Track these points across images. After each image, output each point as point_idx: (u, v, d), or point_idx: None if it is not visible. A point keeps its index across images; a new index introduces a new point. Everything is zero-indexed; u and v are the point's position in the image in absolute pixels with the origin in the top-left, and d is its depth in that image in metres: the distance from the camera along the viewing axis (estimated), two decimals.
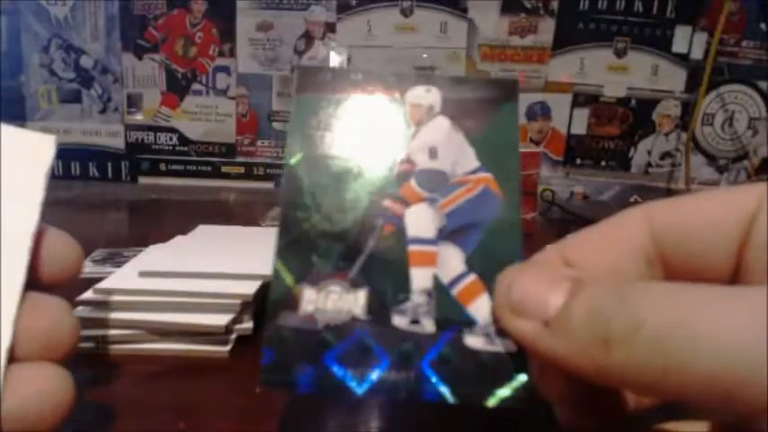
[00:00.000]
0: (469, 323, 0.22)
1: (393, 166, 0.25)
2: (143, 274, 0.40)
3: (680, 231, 0.21)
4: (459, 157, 0.25)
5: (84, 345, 0.35)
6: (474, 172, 0.25)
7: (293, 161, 0.25)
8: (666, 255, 0.22)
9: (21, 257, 0.19)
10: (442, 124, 0.26)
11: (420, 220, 0.24)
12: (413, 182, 0.25)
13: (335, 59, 0.92)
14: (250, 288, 0.38)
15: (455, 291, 0.23)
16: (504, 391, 0.21)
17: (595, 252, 0.22)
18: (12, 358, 0.19)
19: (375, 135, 0.25)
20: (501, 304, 0.21)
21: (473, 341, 0.22)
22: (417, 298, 0.23)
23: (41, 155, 0.20)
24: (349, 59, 0.91)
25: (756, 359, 0.14)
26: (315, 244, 0.23)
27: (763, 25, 0.91)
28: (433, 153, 0.25)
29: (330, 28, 0.92)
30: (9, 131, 0.20)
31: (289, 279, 0.22)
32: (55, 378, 0.19)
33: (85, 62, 0.94)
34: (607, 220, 0.23)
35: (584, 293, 0.18)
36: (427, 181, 0.25)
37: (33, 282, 0.20)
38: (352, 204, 0.24)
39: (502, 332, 0.21)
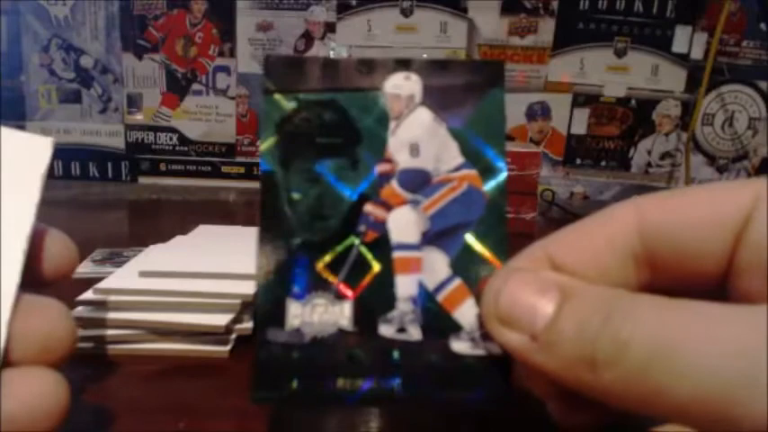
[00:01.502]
0: (455, 328, 0.22)
1: (373, 166, 0.24)
2: (143, 274, 0.40)
3: (669, 229, 0.21)
4: (442, 153, 0.24)
5: (83, 345, 0.35)
6: (458, 169, 0.24)
7: (267, 160, 0.23)
8: (654, 253, 0.21)
9: (15, 259, 0.19)
10: (423, 117, 0.24)
11: (403, 225, 0.23)
12: (394, 183, 0.24)
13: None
14: (250, 288, 0.38)
15: (440, 296, 0.23)
16: (490, 394, 0.21)
17: (581, 250, 0.22)
18: (7, 362, 0.18)
19: (353, 133, 0.24)
20: (489, 313, 0.20)
21: (459, 346, 0.22)
22: (403, 306, 0.22)
23: (38, 157, 0.20)
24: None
25: (745, 381, 0.14)
26: (296, 255, 0.23)
27: (763, 25, 0.91)
28: (414, 150, 0.24)
29: (330, 28, 0.92)
30: (6, 133, 0.20)
31: (273, 293, 0.22)
32: (49, 383, 0.19)
33: (85, 62, 0.93)
34: (594, 216, 0.22)
35: (571, 307, 0.18)
36: (409, 182, 0.24)
37: (29, 281, 0.20)
38: (332, 211, 0.23)
39: (487, 336, 0.21)
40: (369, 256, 0.23)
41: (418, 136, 0.24)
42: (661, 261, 0.21)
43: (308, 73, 0.24)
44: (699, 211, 0.20)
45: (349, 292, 0.22)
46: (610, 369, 0.16)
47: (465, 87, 0.24)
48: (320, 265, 0.23)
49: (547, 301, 0.19)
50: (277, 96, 0.24)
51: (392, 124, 0.24)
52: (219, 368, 0.35)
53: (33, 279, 0.20)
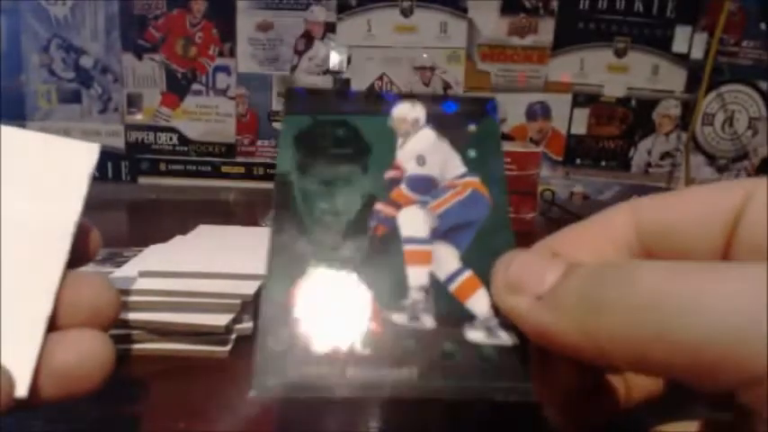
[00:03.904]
0: (469, 317, 0.22)
1: (383, 173, 0.25)
2: (143, 274, 0.40)
3: (664, 228, 0.21)
4: (447, 164, 0.26)
5: None
6: (462, 177, 0.26)
7: (283, 165, 0.25)
8: (651, 250, 0.22)
9: (64, 241, 0.22)
10: (428, 134, 0.27)
11: (413, 221, 0.24)
12: (403, 186, 0.25)
13: (335, 59, 0.92)
14: (250, 288, 0.38)
15: (452, 287, 0.23)
16: (508, 385, 0.21)
17: (583, 246, 0.22)
18: (59, 327, 0.21)
19: (363, 146, 0.26)
20: (497, 282, 0.21)
21: (474, 335, 0.22)
22: (415, 295, 0.23)
23: (86, 159, 0.24)
24: (349, 59, 0.91)
25: (742, 332, 0.14)
26: (308, 248, 0.23)
27: (762, 25, 0.91)
28: (421, 160, 0.26)
29: (330, 28, 0.92)
30: (58, 140, 0.24)
31: (283, 284, 0.22)
32: (100, 341, 0.21)
33: (85, 62, 0.93)
34: (594, 217, 0.23)
35: (579, 270, 0.19)
36: (417, 185, 0.25)
37: (72, 259, 0.23)
38: (344, 208, 0.24)
39: (503, 325, 0.22)
40: (380, 249, 0.24)
41: (424, 149, 0.26)
42: (657, 257, 0.21)
43: (323, 100, 0.27)
44: (691, 211, 0.21)
45: (360, 283, 0.23)
46: (614, 314, 0.17)
47: (462, 115, 0.27)
48: (331, 258, 0.23)
49: (555, 268, 0.19)
50: (295, 116, 0.27)
51: (399, 140, 0.26)
52: (219, 368, 0.35)
53: (76, 258, 0.23)
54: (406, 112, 0.27)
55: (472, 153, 0.26)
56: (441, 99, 0.28)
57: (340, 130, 0.26)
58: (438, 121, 0.27)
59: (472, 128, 0.27)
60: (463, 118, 0.27)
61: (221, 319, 0.37)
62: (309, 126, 0.26)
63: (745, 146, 0.95)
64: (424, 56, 0.92)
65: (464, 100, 0.28)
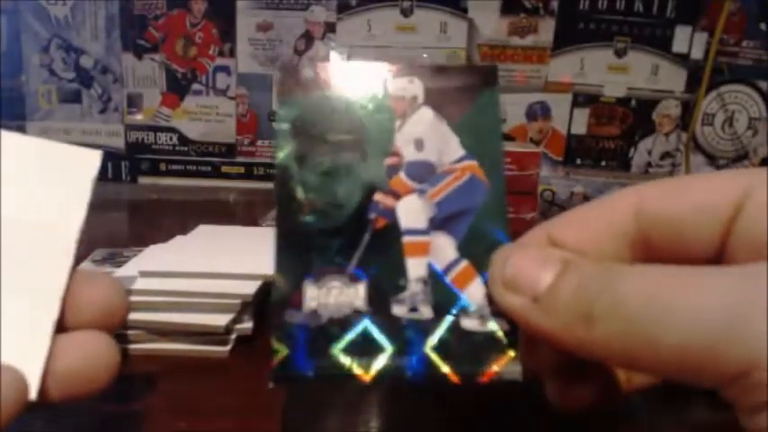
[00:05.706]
0: (465, 307, 0.23)
1: (382, 159, 0.26)
2: (143, 274, 0.40)
3: (664, 217, 0.22)
4: (445, 147, 0.26)
5: None
6: (460, 160, 0.26)
7: (282, 156, 0.25)
8: (649, 237, 0.22)
9: (69, 247, 0.22)
10: (426, 115, 0.26)
11: (411, 212, 0.25)
12: (402, 174, 0.26)
13: (336, 59, 0.91)
14: (250, 288, 0.38)
15: (449, 277, 0.24)
16: (498, 368, 0.22)
17: (580, 231, 0.23)
18: (67, 327, 0.21)
19: (362, 130, 0.26)
20: (495, 279, 0.22)
21: (469, 323, 0.23)
22: (414, 287, 0.24)
23: (89, 165, 0.24)
24: (349, 59, 0.91)
25: (717, 335, 0.16)
26: (312, 241, 0.24)
27: (762, 25, 0.91)
28: (419, 145, 0.26)
29: (330, 28, 0.92)
30: (61, 147, 0.24)
31: (290, 278, 0.23)
32: (102, 343, 0.21)
33: (85, 62, 0.94)
34: (596, 201, 0.24)
35: (572, 273, 0.19)
36: (416, 172, 0.26)
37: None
38: (344, 200, 0.25)
39: (495, 313, 0.23)
40: (380, 240, 0.24)
41: (422, 132, 0.26)
42: (655, 245, 0.22)
43: (318, 77, 0.26)
44: (692, 199, 0.21)
45: (362, 275, 0.24)
46: (605, 324, 0.18)
47: (462, 88, 0.27)
48: (334, 251, 0.24)
49: (549, 268, 0.20)
50: (290, 99, 0.26)
51: (398, 122, 0.26)
52: (219, 368, 0.36)
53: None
54: (404, 89, 0.27)
55: (470, 129, 0.26)
56: (439, 70, 0.27)
57: (336, 113, 0.26)
58: (436, 96, 0.26)
59: (471, 101, 0.27)
60: (462, 91, 0.27)
61: (221, 319, 0.37)
62: (305, 110, 0.26)
63: (745, 146, 0.95)
64: (424, 56, 0.92)
65: (463, 70, 0.28)
